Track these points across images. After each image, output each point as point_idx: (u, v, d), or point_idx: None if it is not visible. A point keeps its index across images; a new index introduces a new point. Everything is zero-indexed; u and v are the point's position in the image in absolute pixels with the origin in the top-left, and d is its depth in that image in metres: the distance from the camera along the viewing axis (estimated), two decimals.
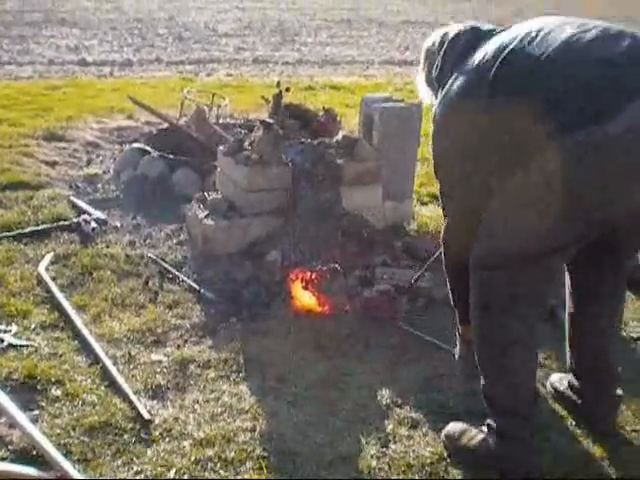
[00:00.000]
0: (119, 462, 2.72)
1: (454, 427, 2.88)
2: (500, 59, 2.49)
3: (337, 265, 3.94)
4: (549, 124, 2.34)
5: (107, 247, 4.50)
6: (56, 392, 3.09)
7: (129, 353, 3.42)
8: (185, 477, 2.66)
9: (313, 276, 3.84)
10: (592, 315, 2.91)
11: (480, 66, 2.56)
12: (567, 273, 2.93)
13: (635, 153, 2.29)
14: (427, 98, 3.05)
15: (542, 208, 2.41)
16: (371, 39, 15.35)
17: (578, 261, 2.77)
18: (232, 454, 2.76)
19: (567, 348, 3.08)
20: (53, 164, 6.06)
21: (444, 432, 2.89)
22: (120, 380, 3.16)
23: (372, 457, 2.80)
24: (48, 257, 4.27)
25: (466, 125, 2.59)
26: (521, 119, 2.40)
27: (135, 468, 2.69)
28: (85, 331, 3.53)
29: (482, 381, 2.75)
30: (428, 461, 2.79)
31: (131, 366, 3.33)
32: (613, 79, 2.32)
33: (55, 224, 4.72)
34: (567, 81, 2.36)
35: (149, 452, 2.78)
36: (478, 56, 2.59)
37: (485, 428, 2.77)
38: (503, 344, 2.64)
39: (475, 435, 2.79)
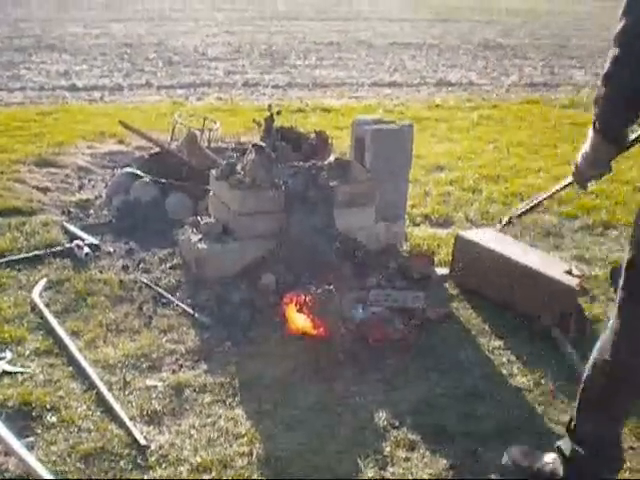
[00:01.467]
0: None
1: (518, 451, 2.84)
2: None
3: (331, 287, 3.94)
4: None
5: (100, 272, 4.48)
6: (51, 419, 3.07)
7: (124, 379, 3.41)
8: None
9: (307, 299, 3.83)
10: None
11: None
12: None
13: None
14: None
15: None
16: (360, 61, 15.40)
17: None
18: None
19: None
20: (45, 190, 6.04)
21: (507, 457, 2.85)
22: (116, 406, 3.15)
23: None
24: (41, 283, 4.26)
25: None
26: None
27: None
28: (80, 357, 3.51)
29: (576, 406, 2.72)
30: None
31: (126, 392, 3.32)
32: None
33: (48, 250, 4.71)
34: None
35: (145, 478, 2.76)
36: None
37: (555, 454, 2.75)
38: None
39: (546, 459, 2.78)
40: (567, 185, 3.11)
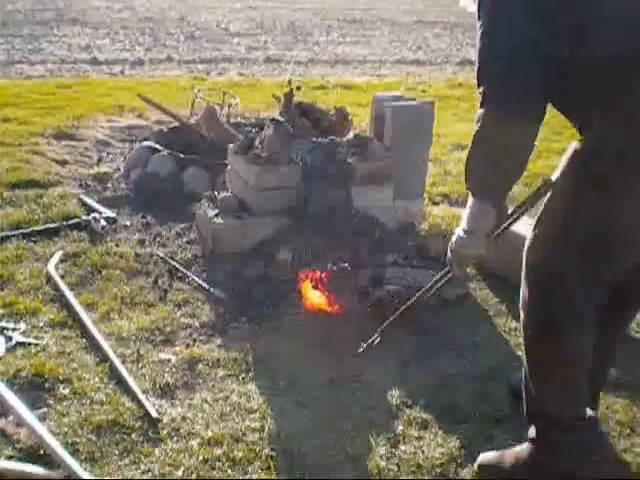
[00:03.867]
0: (127, 461, 2.70)
1: (486, 456, 2.75)
2: None
3: (347, 265, 3.91)
4: None
5: (117, 246, 4.48)
6: (64, 390, 3.07)
7: (138, 352, 3.40)
8: (193, 476, 2.64)
9: (323, 275, 3.82)
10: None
11: None
12: None
13: None
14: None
15: None
16: (383, 39, 15.31)
17: None
18: (240, 454, 2.74)
19: None
20: (63, 163, 6.05)
21: (476, 465, 2.75)
22: (128, 379, 3.14)
23: (381, 458, 2.77)
24: (57, 255, 4.26)
25: None
26: None
27: (143, 467, 2.68)
28: (94, 329, 3.51)
29: (529, 390, 2.64)
30: (438, 462, 2.76)
31: (140, 365, 3.31)
32: None
33: (65, 222, 4.71)
34: None
35: (157, 451, 2.76)
36: None
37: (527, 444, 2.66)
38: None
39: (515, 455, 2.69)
40: (445, 277, 2.79)
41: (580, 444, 2.57)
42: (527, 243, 2.54)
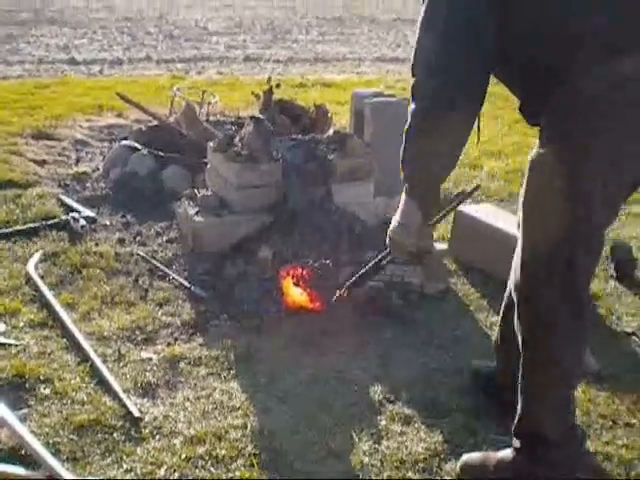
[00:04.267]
0: (109, 460, 2.69)
1: (471, 457, 2.73)
2: None
3: (328, 261, 3.91)
4: None
5: (96, 245, 4.46)
6: (45, 390, 3.06)
7: (119, 351, 3.39)
8: (175, 475, 2.63)
9: (304, 272, 3.81)
10: None
11: None
12: None
13: None
14: None
15: None
16: (363, 37, 15.32)
17: None
18: (223, 451, 2.74)
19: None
20: (42, 163, 6.01)
21: (460, 465, 2.71)
22: (110, 378, 3.13)
23: (364, 453, 2.77)
24: (37, 255, 4.24)
25: None
26: None
27: (125, 466, 2.66)
28: (74, 329, 3.49)
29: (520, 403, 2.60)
30: (421, 457, 2.76)
31: (121, 364, 3.30)
32: None
33: (44, 222, 4.68)
34: None
35: (139, 450, 2.74)
36: None
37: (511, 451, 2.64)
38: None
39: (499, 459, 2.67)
40: (387, 256, 2.88)
41: (566, 457, 2.55)
42: (512, 274, 2.61)
